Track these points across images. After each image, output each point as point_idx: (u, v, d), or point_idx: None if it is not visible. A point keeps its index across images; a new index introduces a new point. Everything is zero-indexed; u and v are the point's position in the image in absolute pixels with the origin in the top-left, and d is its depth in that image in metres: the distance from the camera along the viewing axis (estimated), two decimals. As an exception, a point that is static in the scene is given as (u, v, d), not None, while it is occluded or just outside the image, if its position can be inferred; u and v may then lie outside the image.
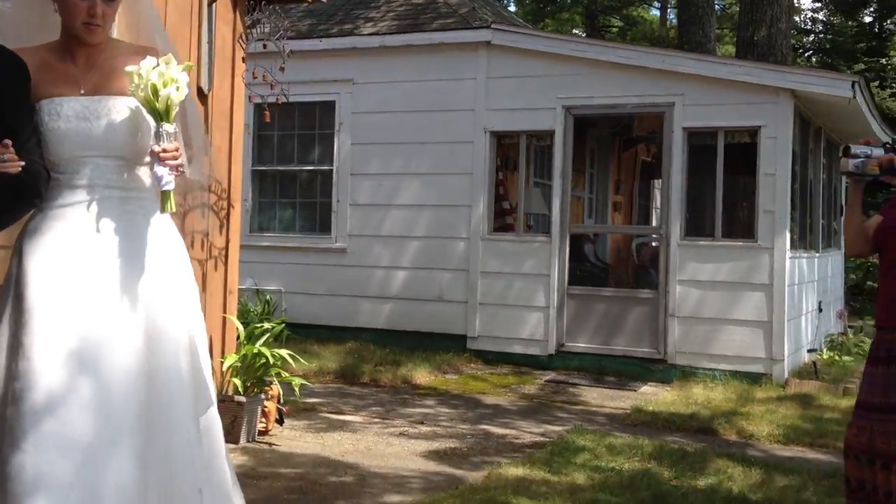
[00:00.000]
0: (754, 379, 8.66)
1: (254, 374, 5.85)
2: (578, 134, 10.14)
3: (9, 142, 2.52)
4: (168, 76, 2.72)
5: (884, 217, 3.88)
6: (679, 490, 5.18)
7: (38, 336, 2.60)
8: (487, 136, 9.71)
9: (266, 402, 6.01)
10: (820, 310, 10.63)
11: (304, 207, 10.68)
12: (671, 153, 9.18)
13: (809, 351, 9.74)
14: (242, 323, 9.63)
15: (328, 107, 10.33)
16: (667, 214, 9.24)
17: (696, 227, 9.62)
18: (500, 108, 9.66)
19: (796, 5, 14.90)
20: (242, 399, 5.70)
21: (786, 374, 8.75)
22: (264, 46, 5.88)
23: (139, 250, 2.79)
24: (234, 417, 5.65)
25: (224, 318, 6.06)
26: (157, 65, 2.73)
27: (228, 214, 6.08)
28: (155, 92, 2.71)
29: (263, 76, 5.81)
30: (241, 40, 5.81)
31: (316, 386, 8.05)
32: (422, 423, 6.80)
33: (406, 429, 6.56)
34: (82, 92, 2.83)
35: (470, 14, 10.20)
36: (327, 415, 6.94)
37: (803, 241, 10.07)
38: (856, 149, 3.65)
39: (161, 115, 2.73)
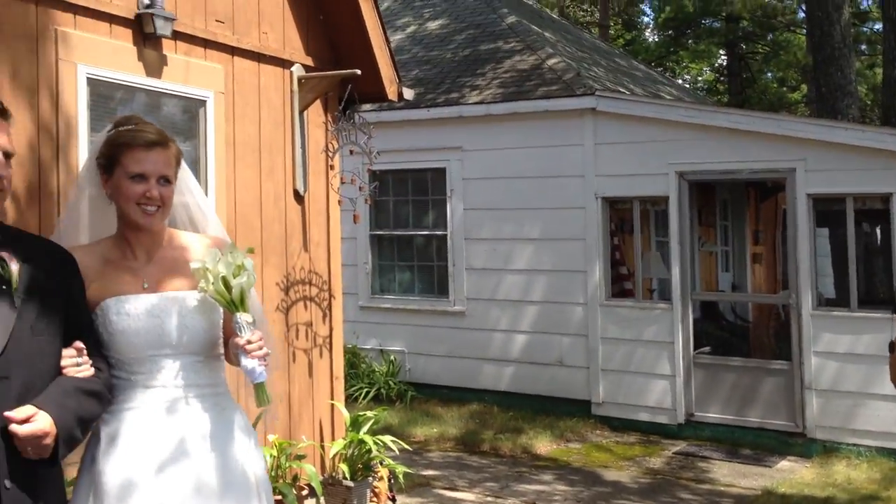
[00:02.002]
0: (903, 456, 8.65)
1: (360, 459, 6.49)
2: (703, 189, 10.25)
3: (81, 345, 2.62)
4: (235, 265, 2.82)
5: None
6: None
7: None
8: (599, 202, 10.16)
9: (376, 484, 6.62)
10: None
11: (421, 271, 11.46)
12: (796, 220, 9.24)
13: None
14: (369, 383, 10.59)
15: (439, 173, 11.10)
16: (796, 283, 9.27)
17: (830, 296, 9.48)
18: (610, 173, 10.09)
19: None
20: (350, 484, 6.36)
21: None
22: (350, 152, 6.57)
23: (223, 452, 2.87)
24: (343, 500, 6.31)
25: (332, 405, 6.74)
26: (223, 255, 2.84)
27: (330, 305, 6.80)
28: (227, 284, 2.80)
29: (352, 179, 6.49)
30: (326, 151, 6.53)
31: (435, 454, 8.67)
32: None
33: (515, 510, 7.04)
34: (145, 286, 2.89)
35: (574, 80, 10.71)
36: (440, 491, 7.51)
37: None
38: None
39: (237, 306, 2.82)
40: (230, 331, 2.90)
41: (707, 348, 10.34)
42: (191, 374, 2.88)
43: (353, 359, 10.68)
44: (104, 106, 5.30)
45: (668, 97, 13.70)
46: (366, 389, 10.23)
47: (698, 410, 9.72)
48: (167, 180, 2.90)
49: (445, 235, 11.09)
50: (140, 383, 2.83)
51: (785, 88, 28.74)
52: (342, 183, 6.69)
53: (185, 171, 3.11)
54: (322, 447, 6.58)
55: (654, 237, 11.56)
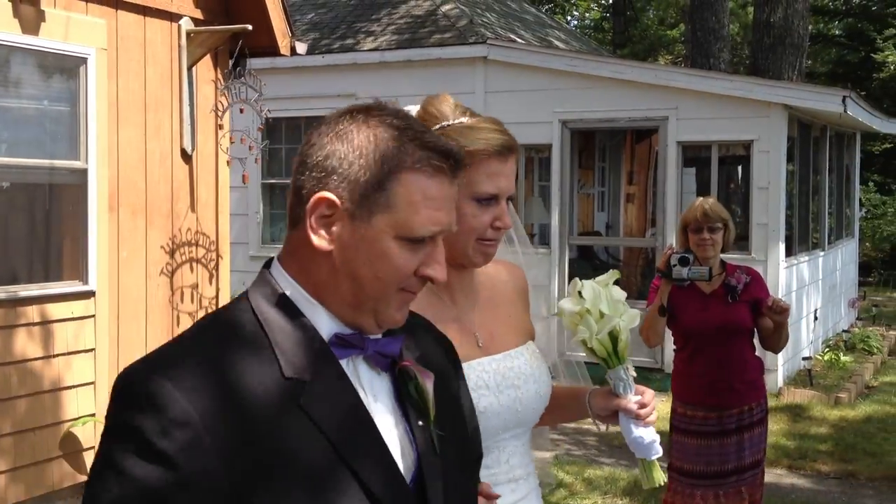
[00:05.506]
0: (749, 389, 8.80)
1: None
2: (585, 134, 10.16)
3: (496, 494, 1.65)
4: (618, 302, 2.00)
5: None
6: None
7: None
8: (487, 150, 9.82)
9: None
10: (815, 318, 10.57)
11: (314, 220, 10.93)
12: (666, 166, 9.25)
13: (805, 359, 9.76)
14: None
15: (332, 122, 10.51)
16: (662, 226, 9.32)
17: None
18: (498, 121, 9.77)
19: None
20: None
21: (780, 384, 8.88)
22: (241, 111, 6.08)
23: None
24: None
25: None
26: (601, 290, 2.01)
27: (217, 266, 6.35)
28: (614, 333, 1.98)
29: (241, 139, 6.01)
30: (215, 110, 6.03)
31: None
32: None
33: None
34: (480, 345, 1.95)
35: (467, 28, 10.27)
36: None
37: (805, 243, 10.13)
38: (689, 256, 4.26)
39: (619, 358, 2.00)
40: None
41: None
42: (525, 453, 1.99)
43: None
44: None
45: (558, 42, 13.40)
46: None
47: (570, 350, 9.62)
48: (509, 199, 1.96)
49: (339, 183, 10.61)
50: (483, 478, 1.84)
51: (664, 26, 28.95)
52: (231, 143, 6.20)
53: None
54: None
55: (537, 182, 11.36)
